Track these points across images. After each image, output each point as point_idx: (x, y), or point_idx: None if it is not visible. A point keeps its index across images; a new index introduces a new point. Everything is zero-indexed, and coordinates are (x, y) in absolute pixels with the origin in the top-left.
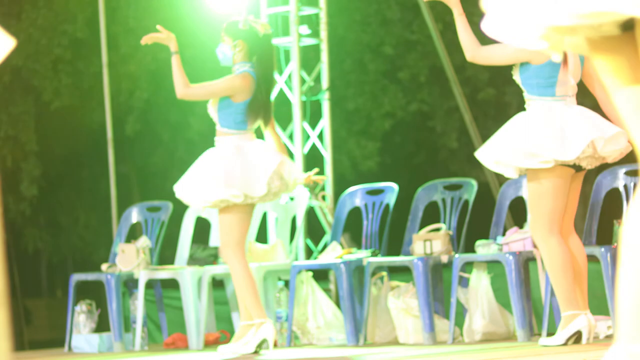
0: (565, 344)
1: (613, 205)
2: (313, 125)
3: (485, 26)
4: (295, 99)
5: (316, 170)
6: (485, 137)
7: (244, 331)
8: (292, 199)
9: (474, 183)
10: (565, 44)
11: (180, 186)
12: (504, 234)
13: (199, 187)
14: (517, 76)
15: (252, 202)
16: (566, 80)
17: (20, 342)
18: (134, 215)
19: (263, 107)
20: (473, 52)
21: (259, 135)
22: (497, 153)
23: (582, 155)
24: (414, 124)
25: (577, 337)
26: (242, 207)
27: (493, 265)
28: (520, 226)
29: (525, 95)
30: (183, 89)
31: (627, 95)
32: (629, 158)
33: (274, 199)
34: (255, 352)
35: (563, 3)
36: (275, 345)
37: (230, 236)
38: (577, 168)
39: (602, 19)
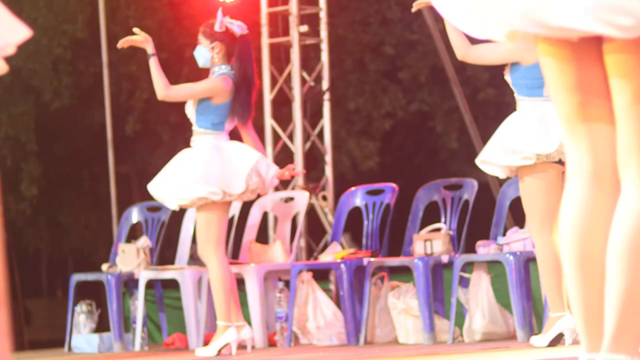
0: (550, 345)
1: None
2: (313, 125)
3: (441, 5)
4: (296, 98)
5: (291, 166)
6: (485, 137)
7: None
8: (292, 198)
9: (474, 183)
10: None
11: (154, 185)
12: (504, 234)
13: (175, 186)
14: (507, 76)
15: (230, 199)
16: None
17: (20, 342)
18: (134, 215)
19: (242, 108)
20: (463, 50)
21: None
22: (484, 153)
23: (562, 148)
24: (414, 124)
25: (559, 338)
26: (220, 205)
27: (493, 266)
28: (521, 226)
29: (516, 95)
30: (164, 90)
31: (577, 117)
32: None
33: (251, 197)
34: (217, 356)
35: (530, 11)
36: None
37: (209, 235)
38: (561, 164)
39: (566, 34)
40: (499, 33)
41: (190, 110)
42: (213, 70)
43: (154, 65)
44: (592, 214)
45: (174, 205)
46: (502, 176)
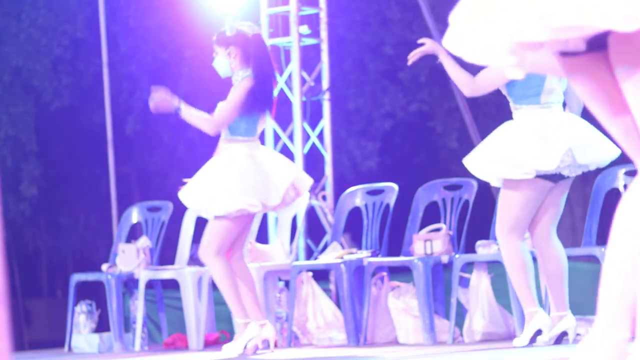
0: (530, 344)
1: (613, 205)
2: (313, 125)
3: (449, 42)
4: (296, 99)
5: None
6: (485, 137)
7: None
8: None
9: (474, 183)
10: (528, 64)
11: (189, 193)
12: None
13: (213, 196)
14: (503, 88)
15: (265, 211)
16: (552, 89)
17: (20, 342)
18: (134, 215)
19: (264, 97)
20: (469, 86)
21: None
22: (482, 163)
23: (561, 164)
24: (414, 124)
25: (536, 335)
26: (245, 216)
27: (493, 266)
28: None
29: (512, 104)
30: (211, 125)
31: (610, 123)
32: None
33: (283, 207)
34: (245, 351)
35: (533, 17)
36: (275, 346)
37: (216, 240)
38: (558, 177)
39: (572, 34)
40: (503, 52)
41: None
42: (236, 77)
43: (187, 113)
44: None
45: (209, 215)
46: (498, 185)
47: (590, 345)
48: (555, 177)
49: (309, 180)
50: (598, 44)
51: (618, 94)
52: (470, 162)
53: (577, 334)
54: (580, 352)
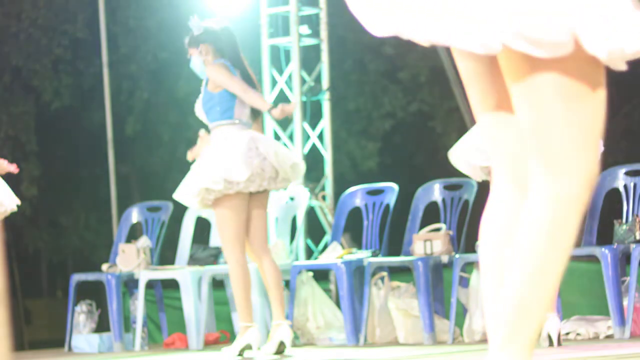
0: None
1: (613, 205)
2: (313, 125)
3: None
4: (296, 99)
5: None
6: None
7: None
8: (292, 199)
9: (474, 183)
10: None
11: (179, 189)
12: None
13: (186, 183)
14: None
15: (239, 188)
16: None
17: (20, 342)
18: (134, 215)
19: (242, 78)
20: None
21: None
22: (456, 149)
23: None
24: (414, 124)
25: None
26: (234, 199)
27: None
28: None
29: None
30: (246, 88)
31: (484, 121)
32: (630, 158)
33: (268, 185)
34: (240, 356)
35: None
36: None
37: (224, 234)
38: None
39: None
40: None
41: (199, 112)
42: (209, 67)
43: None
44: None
45: (194, 205)
46: (476, 178)
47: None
48: None
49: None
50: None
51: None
52: (453, 155)
53: (577, 334)
54: None
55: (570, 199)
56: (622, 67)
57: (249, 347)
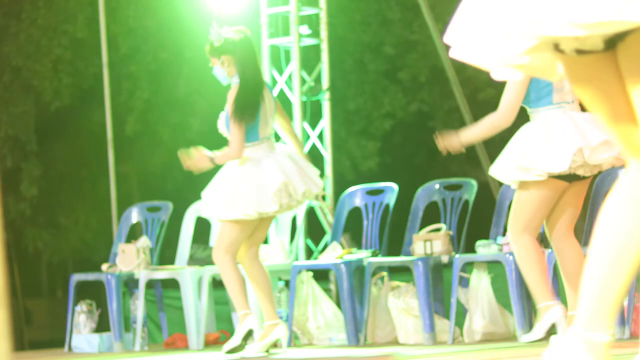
0: (545, 337)
1: None
2: (313, 125)
3: (454, 46)
4: (296, 99)
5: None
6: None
7: (268, 331)
8: None
9: (474, 183)
10: (531, 68)
11: (204, 199)
12: (504, 234)
13: (217, 203)
14: None
15: (267, 216)
16: (562, 87)
17: (20, 342)
18: (134, 215)
19: (249, 108)
20: (501, 120)
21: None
22: (497, 166)
23: (573, 165)
24: (414, 124)
25: (552, 328)
26: (251, 221)
27: (493, 266)
28: None
29: (528, 109)
30: (231, 151)
31: (610, 125)
32: None
33: (288, 210)
34: (242, 345)
35: (558, 13)
36: (274, 346)
37: (223, 239)
38: (572, 177)
39: (599, 31)
40: (519, 52)
41: (222, 129)
42: (232, 83)
43: (218, 160)
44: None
45: (216, 220)
46: (514, 187)
47: (563, 344)
48: (569, 177)
49: (302, 183)
50: (612, 44)
51: (620, 95)
52: (494, 170)
53: None
54: (552, 350)
55: None
56: None
57: (250, 332)
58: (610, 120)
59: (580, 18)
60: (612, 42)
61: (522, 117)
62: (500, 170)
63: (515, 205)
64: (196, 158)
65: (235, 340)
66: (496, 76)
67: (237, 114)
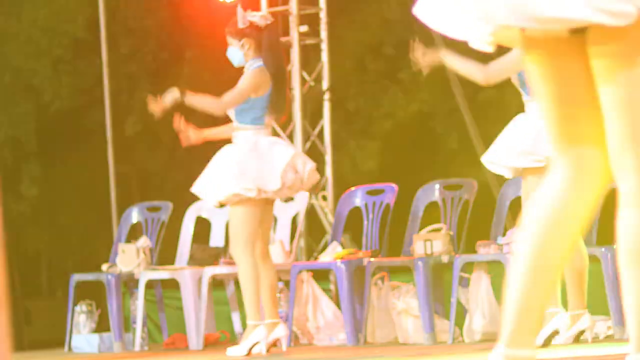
0: (544, 343)
1: (612, 205)
2: (313, 125)
3: (423, 14)
4: (295, 98)
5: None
6: (485, 137)
7: (270, 330)
8: (292, 198)
9: (474, 183)
10: (499, 38)
11: (197, 182)
12: (504, 234)
13: (213, 183)
14: (515, 79)
15: (267, 196)
16: None
17: (20, 342)
18: (134, 215)
19: (279, 101)
20: (481, 74)
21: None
22: (492, 154)
23: None
24: (414, 124)
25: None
26: (256, 202)
27: (493, 266)
28: None
29: (523, 97)
30: (217, 105)
31: (552, 109)
32: None
33: (289, 194)
34: (248, 355)
35: (520, 5)
36: (274, 345)
37: (239, 233)
38: None
39: (556, 26)
40: (485, 33)
41: (231, 112)
42: (247, 66)
43: (191, 100)
44: (563, 216)
45: (213, 202)
46: (508, 176)
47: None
48: None
49: (308, 162)
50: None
51: (577, 79)
52: (485, 157)
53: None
54: None
55: None
56: None
57: (257, 344)
58: (558, 102)
59: (539, 12)
60: (580, 29)
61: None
62: (499, 158)
63: (525, 200)
64: (161, 104)
65: (241, 350)
66: (473, 45)
67: (273, 106)
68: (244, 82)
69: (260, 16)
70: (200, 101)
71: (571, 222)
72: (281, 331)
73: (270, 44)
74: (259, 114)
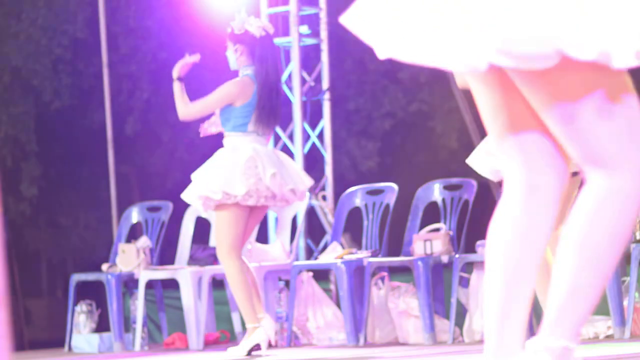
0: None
1: None
2: (313, 125)
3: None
4: (296, 99)
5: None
6: (485, 137)
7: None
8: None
9: (474, 183)
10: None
11: (188, 187)
12: None
13: (191, 186)
14: None
15: (237, 200)
16: None
17: (20, 342)
18: (134, 215)
19: (264, 116)
20: None
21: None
22: (474, 153)
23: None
24: (414, 124)
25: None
26: (234, 208)
27: None
28: None
29: None
30: (184, 108)
31: (504, 135)
32: None
33: (257, 201)
34: (248, 355)
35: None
36: (272, 345)
37: (222, 236)
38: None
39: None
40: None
41: (216, 117)
42: (240, 73)
43: (176, 88)
44: (526, 225)
45: (198, 207)
46: (494, 179)
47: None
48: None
49: (303, 184)
50: None
51: (519, 107)
52: (472, 160)
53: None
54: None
55: (627, 192)
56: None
57: (257, 347)
58: (509, 128)
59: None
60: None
61: None
62: (475, 160)
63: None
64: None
65: (240, 351)
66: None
67: (259, 117)
68: (211, 95)
69: (258, 26)
70: (177, 95)
71: (539, 231)
72: (268, 325)
73: (262, 55)
74: (240, 121)
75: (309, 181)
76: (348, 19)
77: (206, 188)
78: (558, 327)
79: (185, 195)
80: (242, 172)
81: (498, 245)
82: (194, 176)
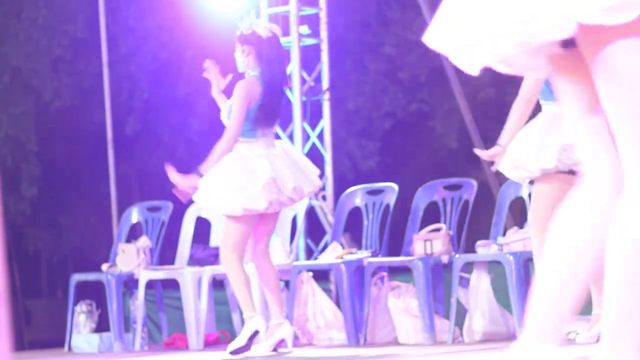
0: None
1: None
2: (313, 125)
3: (433, 38)
4: (296, 99)
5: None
6: (485, 137)
7: (273, 330)
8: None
9: (474, 183)
10: (519, 66)
11: (199, 191)
12: (504, 234)
13: (208, 196)
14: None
15: (258, 213)
16: None
17: (20, 342)
18: (134, 215)
19: (264, 114)
20: (525, 104)
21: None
22: (503, 160)
23: (567, 161)
24: (414, 124)
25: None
26: (247, 216)
27: (493, 266)
28: (521, 226)
29: (540, 101)
30: (227, 138)
31: (583, 119)
32: None
33: (280, 208)
34: (247, 345)
35: (502, 36)
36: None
37: (227, 238)
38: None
39: (534, 46)
40: (494, 58)
41: (225, 120)
42: (247, 74)
43: (208, 164)
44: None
45: (208, 215)
46: (526, 182)
47: (513, 354)
48: (572, 172)
49: (311, 185)
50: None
51: (591, 91)
52: (501, 166)
53: (577, 334)
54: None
55: None
56: None
57: (256, 333)
58: (584, 114)
59: (515, 40)
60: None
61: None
62: (505, 167)
63: (532, 204)
64: (183, 185)
65: (240, 341)
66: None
67: (258, 117)
68: (235, 101)
69: (264, 27)
70: (215, 155)
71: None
72: (285, 331)
73: (268, 56)
74: (250, 126)
75: (317, 181)
76: (431, 39)
77: (226, 207)
78: (542, 332)
79: (200, 202)
80: (262, 188)
81: (568, 241)
82: (206, 184)
